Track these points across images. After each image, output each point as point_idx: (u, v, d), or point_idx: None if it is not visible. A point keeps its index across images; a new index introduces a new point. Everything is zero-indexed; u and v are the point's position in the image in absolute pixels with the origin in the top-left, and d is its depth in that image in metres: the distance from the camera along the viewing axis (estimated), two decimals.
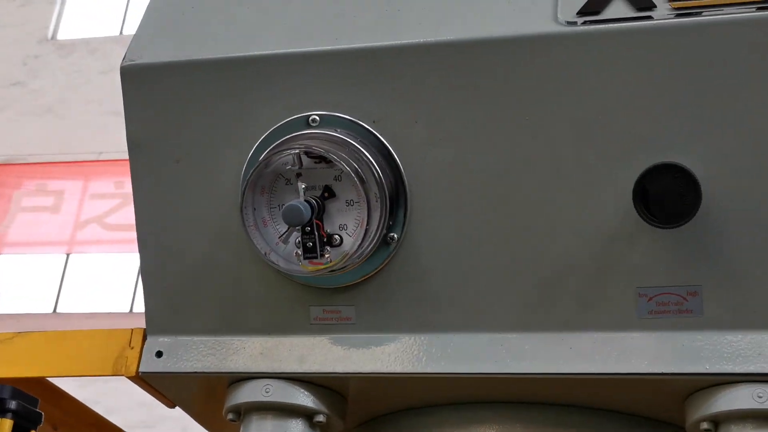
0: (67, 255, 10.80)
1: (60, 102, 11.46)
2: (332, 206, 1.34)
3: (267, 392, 1.40)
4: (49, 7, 12.09)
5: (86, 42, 11.80)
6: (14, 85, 11.67)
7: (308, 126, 1.36)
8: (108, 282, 10.36)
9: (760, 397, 1.25)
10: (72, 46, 11.85)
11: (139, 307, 9.85)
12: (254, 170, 1.33)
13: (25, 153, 11.22)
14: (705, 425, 1.29)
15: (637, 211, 1.22)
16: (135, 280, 10.19)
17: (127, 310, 10.09)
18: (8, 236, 11.01)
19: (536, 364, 1.33)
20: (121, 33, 11.81)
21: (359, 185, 1.30)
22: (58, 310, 10.39)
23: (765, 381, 1.26)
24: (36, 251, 10.91)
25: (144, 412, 7.83)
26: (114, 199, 10.76)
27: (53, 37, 12.04)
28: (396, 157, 1.35)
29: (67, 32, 12.09)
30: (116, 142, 10.20)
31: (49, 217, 10.97)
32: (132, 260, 10.24)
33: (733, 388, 1.27)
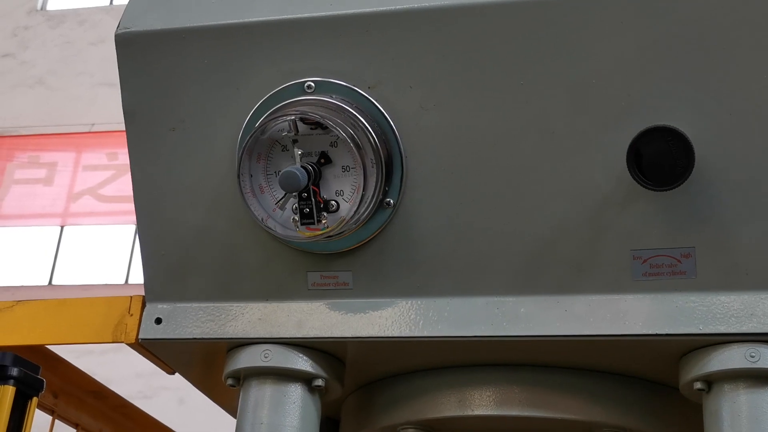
0: (62, 227, 10.79)
1: (51, 73, 11.39)
2: (328, 172, 1.34)
3: (266, 357, 1.42)
4: None
5: (76, 12, 11.71)
6: (4, 56, 11.59)
7: (304, 92, 1.37)
8: (103, 253, 10.36)
9: (753, 356, 1.27)
10: (62, 16, 11.76)
11: (135, 278, 9.87)
12: (250, 137, 1.34)
13: (17, 125, 11.17)
14: (698, 385, 1.31)
15: (631, 174, 1.23)
16: (130, 251, 10.20)
17: (123, 282, 10.10)
18: (2, 209, 10.99)
19: (532, 326, 1.35)
20: (111, 3, 11.72)
21: (355, 151, 1.31)
22: (53, 282, 10.40)
23: (757, 341, 1.28)
24: (30, 223, 10.90)
25: (142, 382, 7.88)
26: (107, 171, 10.73)
27: (43, 7, 11.94)
28: (391, 122, 1.35)
29: (56, 3, 11.99)
30: (108, 113, 10.19)
31: (42, 189, 10.94)
32: (127, 231, 10.24)
33: (725, 348, 1.29)
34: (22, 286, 10.20)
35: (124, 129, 1.46)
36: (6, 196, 11.05)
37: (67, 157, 11.04)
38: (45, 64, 11.44)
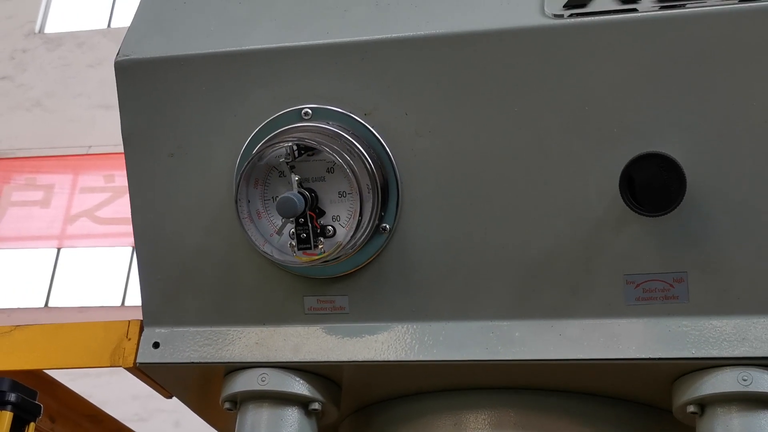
0: (58, 249, 10.78)
1: (48, 96, 11.42)
2: (325, 197, 1.36)
3: (263, 381, 1.43)
4: (36, 1, 12.03)
5: (74, 35, 11.75)
6: (2, 79, 11.62)
7: (301, 119, 1.38)
8: (99, 276, 10.35)
9: (745, 380, 1.28)
10: (60, 39, 11.80)
11: (131, 300, 9.85)
12: (248, 163, 1.35)
13: (14, 147, 11.19)
14: (691, 408, 1.32)
15: (624, 200, 1.25)
16: (126, 273, 10.18)
17: (119, 304, 10.08)
18: None
19: (526, 350, 1.36)
20: (108, 26, 11.77)
21: (351, 177, 1.32)
22: (49, 305, 10.37)
23: (749, 365, 1.29)
24: (27, 246, 10.89)
25: (138, 405, 7.85)
26: (104, 193, 10.74)
27: (41, 30, 11.99)
28: (387, 148, 1.37)
29: (54, 25, 12.04)
30: (105, 135, 10.21)
31: (39, 212, 10.94)
32: (123, 254, 10.23)
33: (718, 372, 1.30)
34: (18, 309, 10.18)
35: (121, 151, 1.48)
36: (2, 218, 11.04)
37: (64, 179, 11.04)
38: (43, 87, 11.47)
